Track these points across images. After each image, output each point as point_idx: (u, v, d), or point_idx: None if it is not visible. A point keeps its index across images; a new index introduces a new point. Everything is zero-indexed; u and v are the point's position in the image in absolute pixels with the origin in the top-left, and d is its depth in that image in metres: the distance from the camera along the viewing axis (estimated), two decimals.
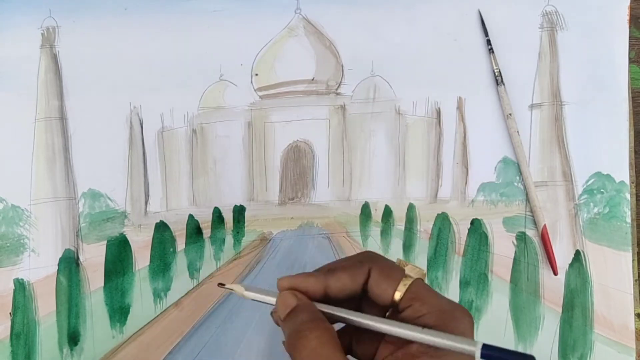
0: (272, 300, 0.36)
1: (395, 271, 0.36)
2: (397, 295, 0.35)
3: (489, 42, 0.53)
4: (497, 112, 0.52)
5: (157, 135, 0.53)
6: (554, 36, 0.53)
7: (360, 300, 0.38)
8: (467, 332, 0.34)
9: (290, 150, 0.53)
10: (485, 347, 0.31)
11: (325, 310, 0.35)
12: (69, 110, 0.53)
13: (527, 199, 0.52)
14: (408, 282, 0.35)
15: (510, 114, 0.52)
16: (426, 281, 0.40)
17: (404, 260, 0.37)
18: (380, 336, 0.36)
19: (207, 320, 0.51)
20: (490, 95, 0.53)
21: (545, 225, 0.51)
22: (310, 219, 0.52)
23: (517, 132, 0.52)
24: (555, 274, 0.50)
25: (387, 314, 0.37)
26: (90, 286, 0.51)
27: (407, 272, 0.36)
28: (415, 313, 0.34)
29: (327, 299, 0.36)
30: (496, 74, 0.52)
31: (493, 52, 0.52)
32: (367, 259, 0.37)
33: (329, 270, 0.36)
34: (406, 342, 0.34)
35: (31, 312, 0.50)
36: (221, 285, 0.38)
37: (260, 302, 0.37)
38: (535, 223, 0.51)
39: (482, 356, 0.31)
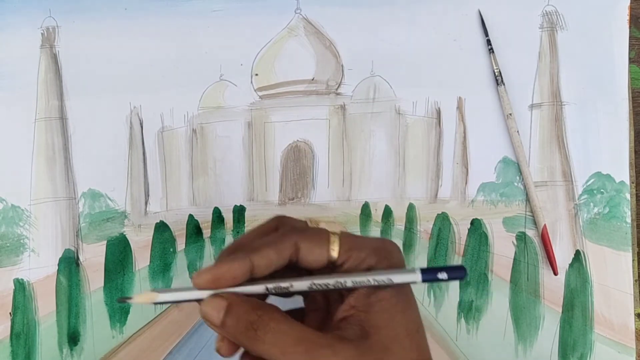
0: (192, 295, 0.34)
1: (320, 235, 0.35)
2: (334, 253, 0.35)
3: (489, 42, 0.53)
4: (497, 112, 0.52)
5: (157, 135, 0.53)
6: (554, 36, 0.53)
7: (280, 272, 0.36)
8: (401, 260, 0.36)
9: (290, 150, 0.53)
10: (424, 270, 0.34)
11: (253, 291, 0.34)
12: (69, 110, 0.53)
13: (527, 199, 0.52)
14: (336, 238, 0.35)
15: (510, 114, 0.52)
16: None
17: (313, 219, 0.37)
18: (312, 304, 0.37)
19: None
20: (490, 95, 0.53)
21: (545, 225, 0.51)
22: (310, 219, 0.52)
23: (517, 132, 0.52)
24: (556, 274, 0.50)
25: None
26: (90, 286, 0.51)
27: (325, 227, 0.36)
28: (356, 260, 0.35)
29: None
30: (496, 74, 0.52)
31: (493, 52, 0.52)
32: (287, 229, 0.36)
33: (251, 249, 0.34)
34: (345, 294, 0.35)
35: (31, 312, 0.50)
36: (122, 300, 0.35)
37: (175, 302, 0.35)
38: (535, 223, 0.51)
39: (423, 280, 0.34)
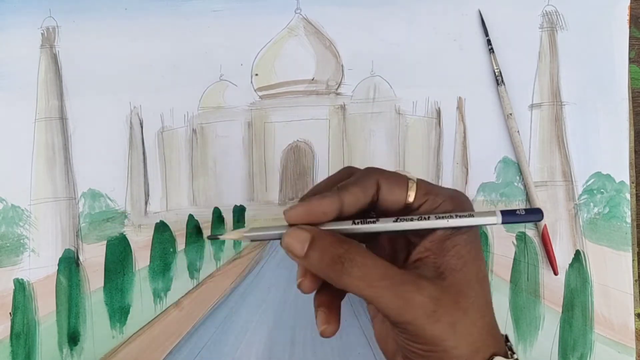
0: (277, 234, 0.36)
1: (399, 177, 0.38)
2: (411, 196, 0.37)
3: (489, 42, 0.53)
4: (497, 112, 0.52)
5: (157, 135, 0.53)
6: (554, 36, 0.53)
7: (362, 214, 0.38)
8: (470, 204, 0.38)
9: (290, 150, 0.53)
10: (504, 212, 0.36)
11: (337, 228, 0.36)
12: (69, 110, 0.53)
13: (527, 199, 0.52)
14: (414, 183, 0.37)
15: (510, 114, 0.52)
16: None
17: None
18: (391, 243, 0.39)
19: (207, 320, 0.51)
20: (490, 95, 0.53)
21: (545, 225, 0.51)
22: None
23: (518, 132, 0.52)
24: (556, 273, 0.51)
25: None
26: (90, 286, 0.51)
27: (405, 175, 0.38)
28: (433, 205, 0.37)
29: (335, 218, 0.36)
30: (496, 73, 0.52)
31: (493, 52, 0.52)
32: (373, 172, 0.38)
33: (339, 188, 0.36)
34: (425, 235, 0.37)
35: (31, 312, 0.50)
36: (212, 237, 0.38)
37: (264, 239, 0.37)
38: (535, 223, 0.51)
39: (504, 221, 0.35)
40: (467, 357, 0.35)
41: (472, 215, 0.36)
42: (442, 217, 0.36)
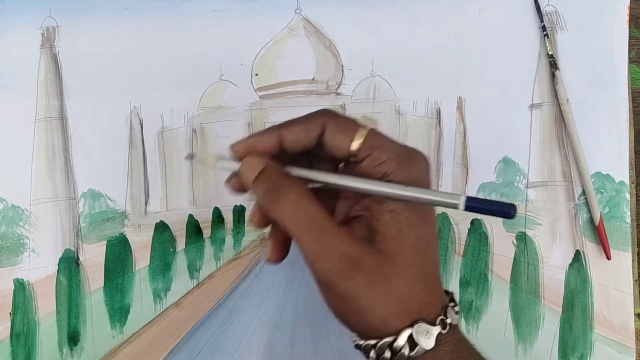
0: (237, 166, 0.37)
1: (350, 123, 0.36)
2: (355, 145, 0.35)
3: (544, 27, 0.52)
4: (497, 112, 0.52)
5: (157, 135, 0.53)
6: (554, 36, 0.53)
7: (310, 158, 0.39)
8: (425, 175, 0.36)
9: None
10: (469, 199, 0.32)
11: (290, 171, 0.36)
12: (69, 110, 0.53)
13: (583, 191, 0.51)
14: (364, 132, 0.35)
15: (567, 100, 0.51)
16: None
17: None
18: (335, 193, 0.37)
19: (207, 320, 0.51)
20: (490, 95, 0.53)
21: (601, 214, 0.51)
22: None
23: (573, 120, 0.51)
24: (609, 258, 0.50)
25: (340, 167, 0.37)
26: (90, 286, 0.51)
27: (361, 122, 0.36)
28: (375, 161, 0.35)
29: (279, 157, 0.37)
30: (551, 58, 0.52)
31: (548, 37, 0.52)
32: (321, 113, 0.37)
33: (281, 125, 0.36)
34: (363, 195, 0.35)
35: (31, 312, 0.50)
36: (189, 157, 0.39)
37: (227, 169, 0.38)
38: (589, 212, 0.51)
39: (466, 208, 0.32)
40: (382, 319, 0.34)
41: (430, 193, 0.33)
42: (395, 185, 0.34)
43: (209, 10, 0.53)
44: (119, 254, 0.51)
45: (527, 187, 0.52)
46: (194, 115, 0.53)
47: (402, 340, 0.34)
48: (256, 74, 0.53)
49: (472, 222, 0.52)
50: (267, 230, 0.39)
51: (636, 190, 0.52)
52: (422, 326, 0.34)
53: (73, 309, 0.51)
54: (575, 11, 0.53)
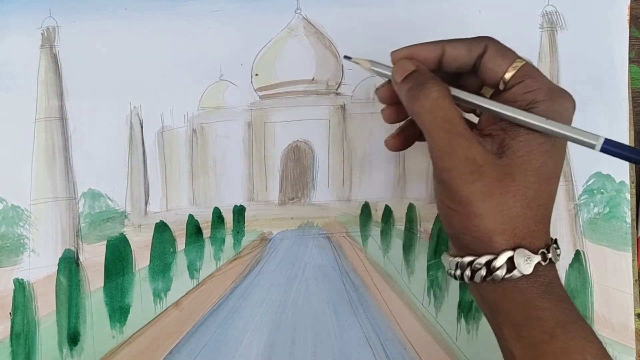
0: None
1: (511, 51, 0.38)
2: (510, 72, 0.37)
3: None
4: None
5: (157, 135, 0.53)
6: (554, 36, 0.53)
7: (464, 79, 0.41)
8: (570, 113, 0.37)
9: (290, 150, 0.53)
10: (607, 141, 0.34)
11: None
12: (69, 110, 0.53)
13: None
14: (522, 62, 0.37)
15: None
16: None
17: None
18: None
19: (207, 320, 0.51)
20: None
21: None
22: (310, 219, 0.52)
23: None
24: None
25: (490, 95, 0.39)
26: (90, 286, 0.51)
27: (520, 56, 0.38)
28: (526, 88, 0.37)
29: (438, 71, 0.39)
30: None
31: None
32: (485, 37, 0.39)
33: (446, 40, 0.39)
34: (502, 119, 0.37)
35: (31, 312, 0.50)
36: (347, 57, 0.42)
37: (383, 74, 0.40)
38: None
39: (602, 149, 0.34)
40: (488, 232, 0.35)
41: (570, 129, 0.35)
42: (538, 117, 0.35)
43: (209, 10, 0.53)
44: (119, 254, 0.51)
45: None
46: (194, 115, 0.53)
47: (501, 260, 0.35)
48: (256, 74, 0.53)
49: None
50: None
51: (636, 191, 0.52)
52: (524, 252, 0.35)
53: (73, 309, 0.51)
54: (575, 11, 0.53)
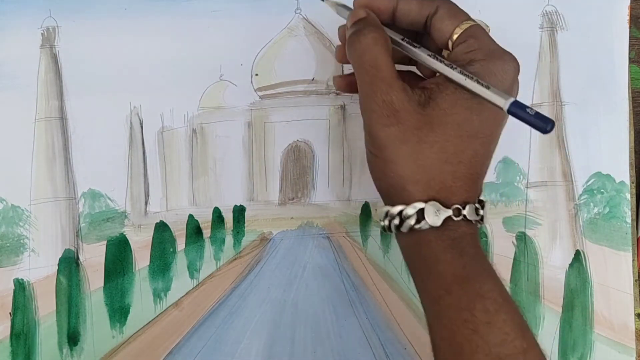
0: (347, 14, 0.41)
1: (461, 13, 0.39)
2: (457, 32, 0.38)
3: None
4: None
5: (157, 135, 0.53)
6: (554, 36, 0.53)
7: (419, 38, 0.41)
8: (509, 76, 0.37)
9: (290, 150, 0.53)
10: (515, 103, 0.34)
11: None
12: (69, 110, 0.53)
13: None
14: (470, 23, 0.38)
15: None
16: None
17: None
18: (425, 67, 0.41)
19: (207, 320, 0.51)
20: None
21: None
22: (310, 219, 0.52)
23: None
24: None
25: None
26: (90, 286, 0.51)
27: (472, 18, 0.39)
28: (467, 48, 0.38)
29: (392, 26, 0.40)
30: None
31: None
32: None
33: None
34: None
35: (31, 312, 0.50)
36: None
37: (338, 13, 0.43)
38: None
39: (509, 111, 0.34)
40: (402, 179, 0.36)
41: (487, 87, 0.35)
42: (463, 74, 0.36)
43: (209, 10, 0.53)
44: (119, 254, 0.51)
45: (527, 187, 0.52)
46: (194, 115, 0.53)
47: (411, 209, 0.36)
48: (256, 74, 0.53)
49: None
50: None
51: (636, 191, 0.52)
52: (435, 205, 0.36)
53: (73, 309, 0.51)
54: (575, 11, 0.53)
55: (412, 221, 0.36)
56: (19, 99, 0.53)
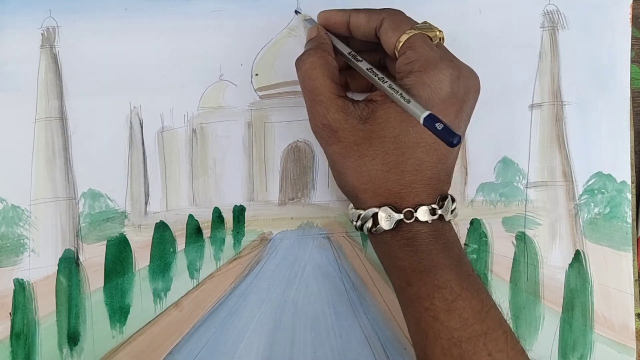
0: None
1: (406, 24, 0.41)
2: (399, 43, 0.40)
3: None
4: (497, 112, 0.52)
5: (157, 135, 0.53)
6: (555, 36, 0.53)
7: (380, 51, 0.44)
8: (444, 85, 0.39)
9: (290, 151, 0.53)
10: (430, 116, 0.35)
11: (335, 43, 0.44)
12: (69, 110, 0.53)
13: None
14: (411, 33, 0.40)
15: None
16: (445, 43, 0.44)
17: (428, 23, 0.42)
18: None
19: (207, 320, 0.51)
20: (490, 95, 0.52)
21: None
22: (310, 219, 0.52)
23: None
24: None
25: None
26: (90, 286, 0.51)
27: (416, 27, 0.41)
28: (406, 60, 0.39)
29: (351, 37, 0.44)
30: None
31: None
32: (386, 9, 0.42)
33: (355, 9, 0.43)
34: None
35: (31, 312, 0.51)
36: (297, 12, 0.50)
37: (304, 28, 0.47)
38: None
39: (424, 123, 0.35)
40: (353, 188, 0.41)
41: (408, 101, 0.36)
42: (392, 88, 0.38)
43: (209, 10, 0.53)
44: (119, 254, 0.51)
45: (527, 187, 0.52)
46: (194, 115, 0.53)
47: (366, 215, 0.40)
48: (256, 74, 0.53)
49: (472, 222, 0.52)
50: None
51: (637, 191, 0.52)
52: (387, 210, 0.40)
53: (73, 309, 0.51)
54: (576, 10, 0.53)
55: (369, 224, 0.40)
56: (19, 99, 0.53)
